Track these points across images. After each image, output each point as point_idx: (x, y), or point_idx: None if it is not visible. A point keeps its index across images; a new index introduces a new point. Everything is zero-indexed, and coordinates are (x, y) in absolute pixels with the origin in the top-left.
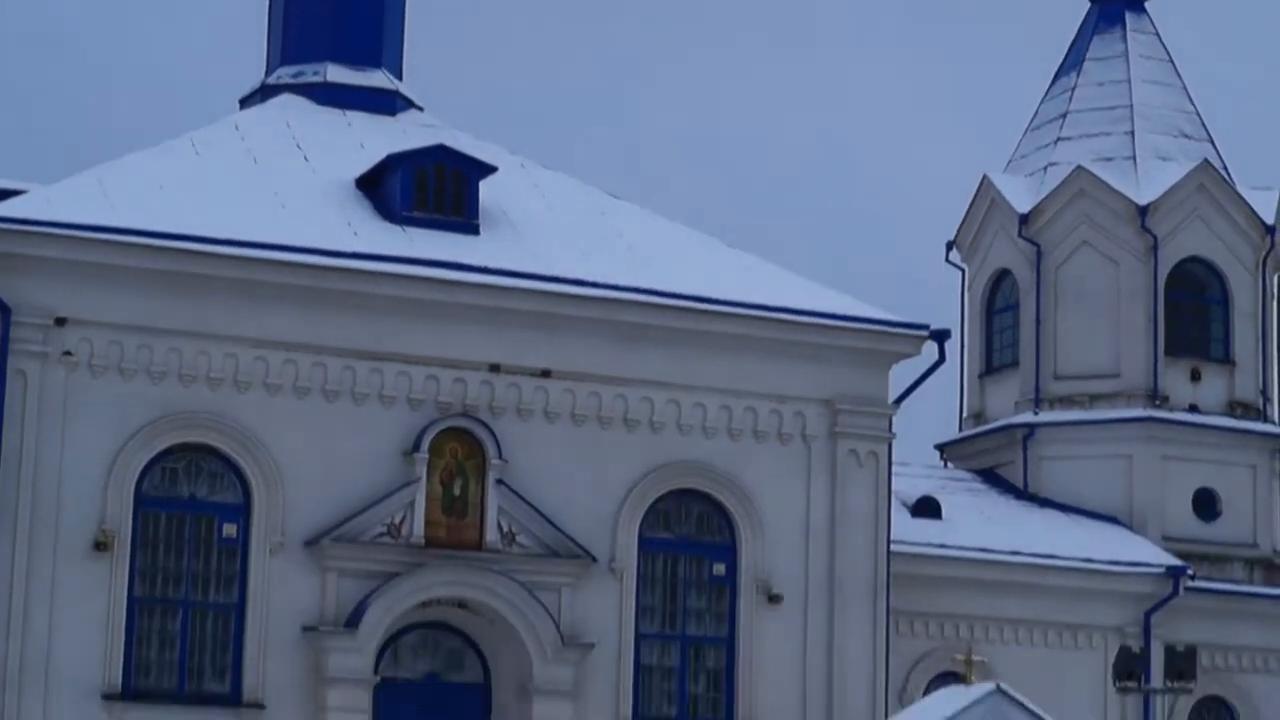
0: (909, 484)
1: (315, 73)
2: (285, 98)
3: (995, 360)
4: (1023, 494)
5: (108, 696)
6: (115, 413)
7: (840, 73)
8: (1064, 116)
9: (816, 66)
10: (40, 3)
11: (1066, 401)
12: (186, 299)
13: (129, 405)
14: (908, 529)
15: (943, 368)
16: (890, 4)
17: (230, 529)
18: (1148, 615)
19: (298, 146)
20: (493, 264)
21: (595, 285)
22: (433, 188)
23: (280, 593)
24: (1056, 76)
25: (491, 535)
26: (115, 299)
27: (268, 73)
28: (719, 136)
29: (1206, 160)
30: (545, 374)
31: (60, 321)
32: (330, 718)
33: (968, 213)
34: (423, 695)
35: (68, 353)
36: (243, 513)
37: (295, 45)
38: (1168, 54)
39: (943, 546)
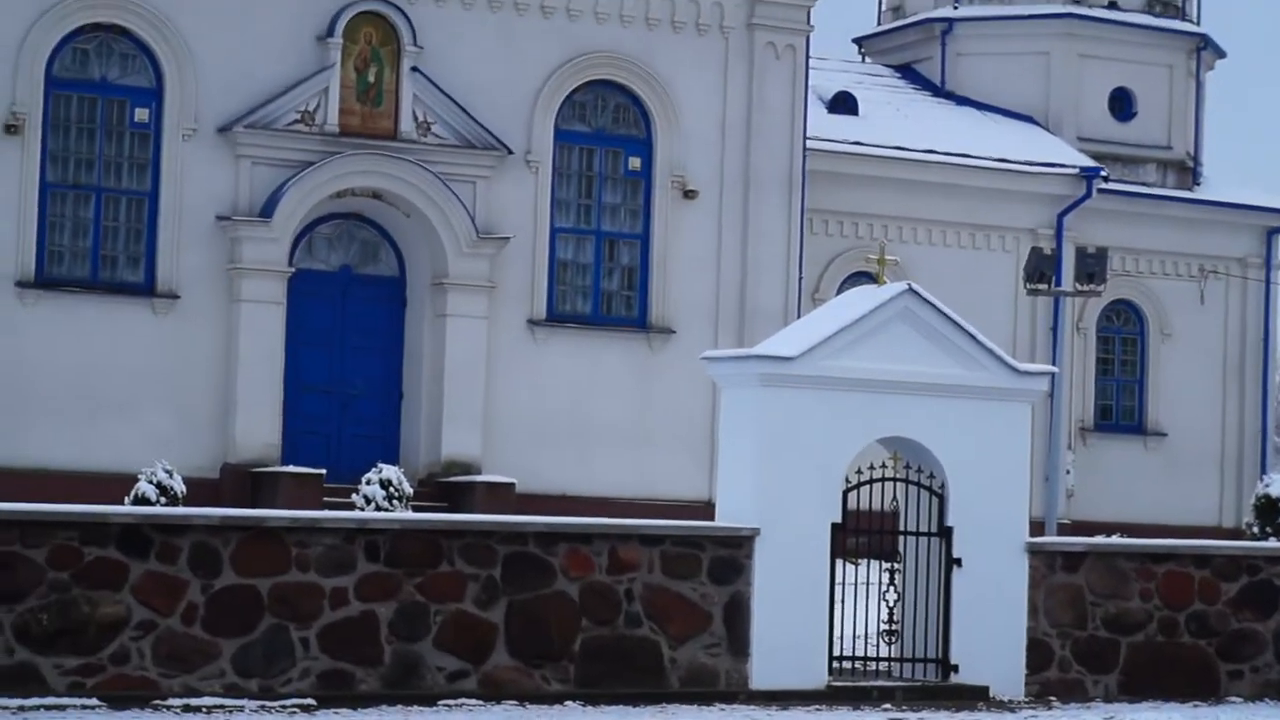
0: (826, 79)
1: None
2: None
3: None
4: (940, 91)
5: (21, 284)
6: None
7: None
8: None
9: None
10: None
11: None
12: None
13: None
14: (823, 125)
15: None
16: None
17: (142, 114)
18: (1060, 217)
19: None
20: None
21: None
22: None
23: (193, 180)
24: None
25: (406, 125)
26: None
27: None
28: None
29: None
30: None
31: None
32: (244, 309)
33: None
34: (337, 286)
35: None
36: (155, 97)
37: None
38: None
39: (858, 144)
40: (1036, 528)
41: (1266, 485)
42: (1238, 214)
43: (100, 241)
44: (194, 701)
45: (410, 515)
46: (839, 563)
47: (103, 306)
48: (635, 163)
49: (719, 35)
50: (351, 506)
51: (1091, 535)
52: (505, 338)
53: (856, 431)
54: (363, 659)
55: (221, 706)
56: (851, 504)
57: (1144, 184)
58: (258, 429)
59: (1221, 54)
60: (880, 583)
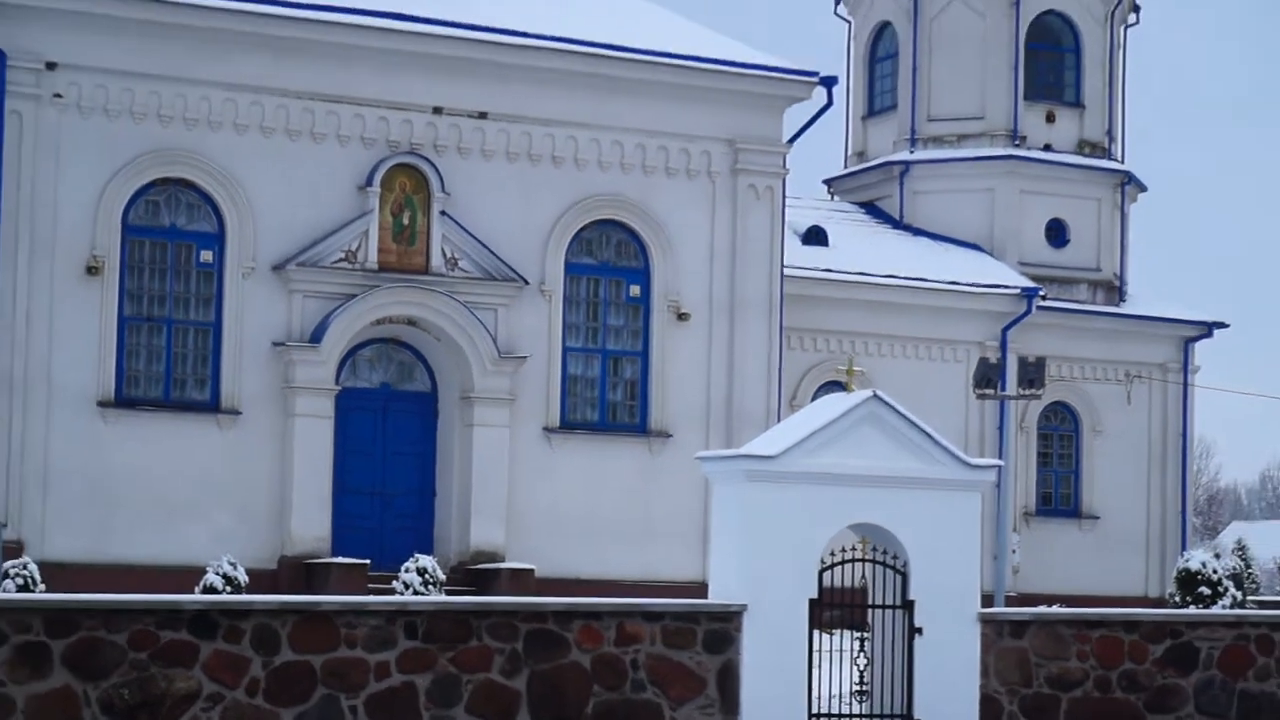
0: (800, 215)
1: None
2: None
3: (876, 104)
4: (899, 224)
5: (102, 404)
6: (103, 150)
7: None
8: None
9: None
10: None
11: (938, 141)
12: (164, 45)
13: (115, 143)
14: (799, 255)
15: (830, 110)
16: None
17: (207, 255)
18: (1004, 331)
19: None
20: (431, 14)
21: (524, 34)
22: None
23: (252, 312)
24: None
25: (436, 260)
26: (101, 45)
27: None
28: None
29: None
30: (482, 115)
31: (51, 66)
32: (297, 423)
33: None
34: (378, 402)
35: (58, 95)
36: (218, 240)
37: None
38: None
39: (829, 270)
40: (987, 600)
41: (1186, 560)
42: (1159, 326)
43: (171, 366)
44: None
45: (443, 598)
46: (816, 633)
47: (174, 422)
48: (635, 290)
49: (707, 179)
50: (392, 591)
51: (1035, 606)
52: (524, 443)
53: (830, 519)
54: None
55: None
56: (826, 582)
57: (1077, 301)
58: (310, 526)
59: (1143, 188)
60: (852, 649)
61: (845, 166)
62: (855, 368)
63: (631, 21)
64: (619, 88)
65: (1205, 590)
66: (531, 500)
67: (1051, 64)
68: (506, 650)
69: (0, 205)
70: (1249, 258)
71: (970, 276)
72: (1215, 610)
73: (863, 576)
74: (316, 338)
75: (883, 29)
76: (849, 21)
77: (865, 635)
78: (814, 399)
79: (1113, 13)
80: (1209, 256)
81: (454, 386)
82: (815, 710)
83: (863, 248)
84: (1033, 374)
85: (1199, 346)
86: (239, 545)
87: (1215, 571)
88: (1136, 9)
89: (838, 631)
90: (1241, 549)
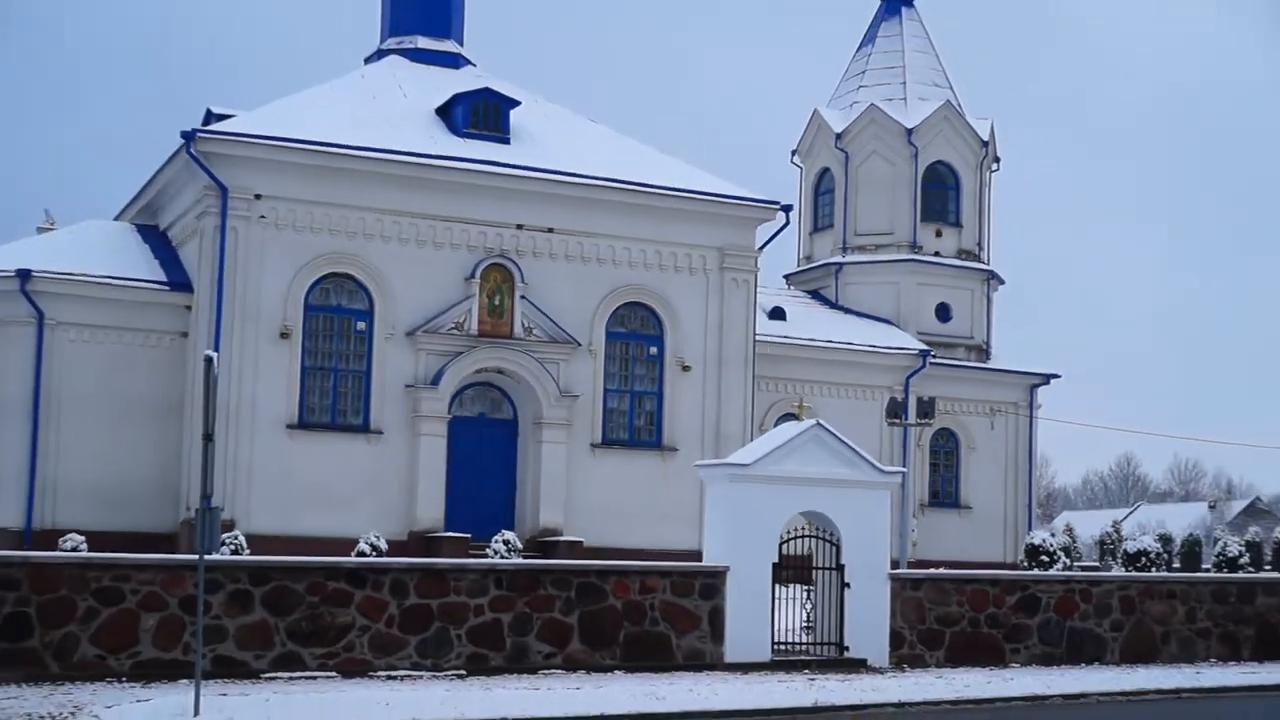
0: (767, 299)
1: (410, 41)
2: (392, 58)
3: (820, 223)
4: (835, 305)
5: (290, 426)
6: (292, 254)
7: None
8: (863, 73)
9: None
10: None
11: (861, 249)
12: (335, 182)
13: (300, 249)
14: (766, 327)
15: (788, 228)
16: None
17: (361, 325)
18: (907, 379)
19: (400, 88)
20: (518, 162)
21: (579, 175)
22: (481, 114)
23: (391, 364)
24: (859, 47)
25: (518, 329)
26: (292, 182)
27: (381, 41)
28: (663, 86)
29: (948, 101)
30: (550, 230)
31: (258, 196)
32: (422, 440)
33: (804, 132)
34: (477, 426)
35: (263, 216)
36: (369, 315)
37: (398, 23)
38: (927, 34)
39: (787, 337)
40: (895, 564)
41: (1031, 537)
42: (1013, 377)
43: (336, 401)
44: (393, 674)
45: (521, 561)
46: (777, 586)
47: (338, 440)
48: (653, 350)
49: (703, 275)
50: (486, 555)
51: (927, 569)
52: (577, 455)
53: (786, 507)
54: (493, 647)
55: (409, 676)
56: (785, 551)
57: (956, 359)
58: (430, 510)
59: (1002, 281)
60: (801, 598)
61: (798, 265)
62: (804, 404)
63: (653, 166)
64: (643, 211)
65: (1045, 558)
66: (581, 494)
67: (939, 197)
68: (564, 597)
69: (222, 291)
70: (1075, 329)
71: (883, 342)
72: (1051, 573)
73: (809, 547)
74: (435, 382)
75: (824, 172)
76: (801, 167)
77: (810, 588)
78: (775, 425)
79: (981, 162)
80: (1048, 327)
81: (529, 415)
82: (776, 640)
83: (810, 322)
84: (926, 409)
85: (1041, 390)
86: (381, 523)
87: (1051, 546)
88: (998, 160)
89: (792, 585)
90: (1069, 530)
